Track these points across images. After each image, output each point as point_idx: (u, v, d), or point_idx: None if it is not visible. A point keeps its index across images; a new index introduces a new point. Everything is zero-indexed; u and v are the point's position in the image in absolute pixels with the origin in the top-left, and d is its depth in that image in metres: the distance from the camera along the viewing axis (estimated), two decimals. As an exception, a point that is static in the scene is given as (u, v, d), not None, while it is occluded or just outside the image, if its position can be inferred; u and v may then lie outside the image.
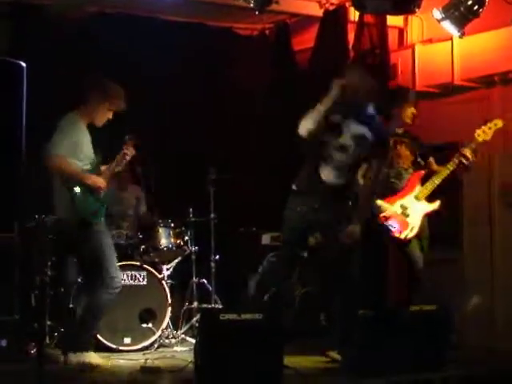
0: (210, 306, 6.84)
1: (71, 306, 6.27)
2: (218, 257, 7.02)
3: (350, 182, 5.47)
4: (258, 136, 7.85)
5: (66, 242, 5.82)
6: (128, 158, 5.72)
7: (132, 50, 6.98)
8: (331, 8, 7.41)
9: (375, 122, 5.46)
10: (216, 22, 7.79)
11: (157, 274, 6.65)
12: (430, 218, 6.31)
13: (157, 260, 6.84)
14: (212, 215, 6.99)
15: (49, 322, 6.12)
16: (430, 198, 6.23)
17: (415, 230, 6.16)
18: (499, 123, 6.19)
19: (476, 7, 5.90)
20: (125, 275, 6.38)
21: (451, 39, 6.97)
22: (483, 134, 6.16)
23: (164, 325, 6.52)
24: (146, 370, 5.44)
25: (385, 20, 7.40)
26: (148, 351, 6.32)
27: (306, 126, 5.30)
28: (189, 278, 6.99)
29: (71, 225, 5.54)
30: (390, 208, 6.11)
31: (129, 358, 6.02)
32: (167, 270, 6.89)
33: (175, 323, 6.78)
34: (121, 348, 6.29)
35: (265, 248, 7.41)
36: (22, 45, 6.57)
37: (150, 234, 6.84)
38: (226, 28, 7.94)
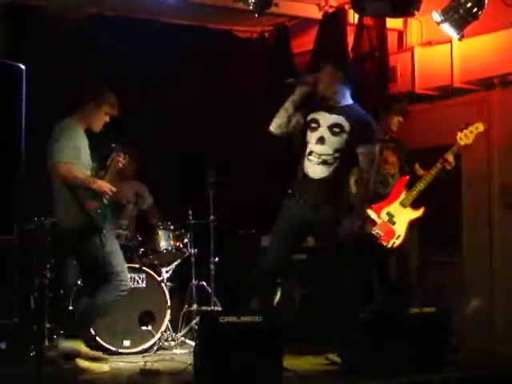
0: (209, 309, 6.84)
1: (71, 308, 6.28)
2: (217, 259, 7.02)
3: (338, 177, 5.44)
4: (257, 138, 7.84)
5: (67, 244, 5.81)
6: (120, 165, 5.73)
7: (131, 53, 6.97)
8: (330, 11, 7.40)
9: (352, 109, 5.49)
10: (216, 25, 7.79)
11: (156, 276, 6.65)
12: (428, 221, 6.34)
13: (156, 262, 6.84)
14: (211, 217, 6.99)
15: (48, 325, 6.11)
16: (415, 205, 6.28)
17: (401, 238, 6.20)
18: (480, 127, 6.24)
19: (475, 10, 5.90)
20: (124, 277, 6.40)
21: (450, 42, 6.97)
22: (465, 137, 6.22)
23: (163, 327, 6.52)
24: (145, 372, 5.43)
25: (384, 23, 7.39)
26: (147, 354, 6.32)
27: (274, 123, 5.48)
28: (188, 280, 6.99)
29: (76, 228, 5.53)
30: (376, 217, 6.13)
31: (128, 360, 6.01)
32: (166, 272, 6.89)
33: (174, 326, 6.77)
34: (120, 350, 6.29)
35: (264, 250, 7.40)
36: (20, 47, 6.56)
37: (150, 237, 6.85)
38: (225, 31, 7.94)
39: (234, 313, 4.79)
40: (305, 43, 7.85)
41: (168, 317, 6.56)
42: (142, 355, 6.24)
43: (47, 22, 6.82)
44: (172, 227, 6.89)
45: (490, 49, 6.85)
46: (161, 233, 6.85)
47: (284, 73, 7.51)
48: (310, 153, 5.44)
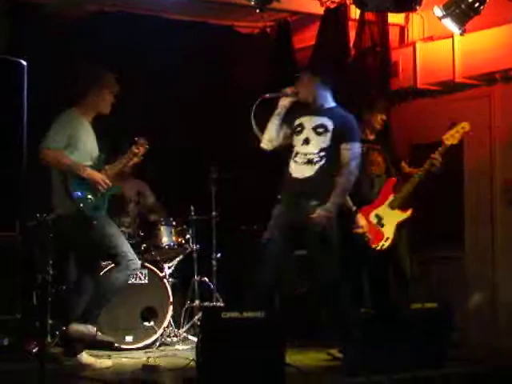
0: (211, 305, 6.85)
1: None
2: (219, 255, 7.03)
3: (323, 175, 5.51)
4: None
5: (68, 239, 5.81)
6: (136, 159, 5.74)
7: (132, 49, 6.96)
8: (332, 6, 7.39)
9: (335, 111, 5.65)
10: (217, 20, 7.78)
11: (158, 272, 6.65)
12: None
13: (158, 258, 6.85)
14: (213, 213, 6.99)
15: (50, 321, 6.12)
16: (403, 206, 6.30)
17: (390, 240, 6.22)
18: (466, 126, 6.25)
19: (477, 4, 5.88)
20: (126, 274, 6.41)
21: (452, 37, 6.96)
22: (451, 137, 6.24)
23: (166, 323, 6.53)
24: (147, 368, 5.44)
25: (386, 18, 7.39)
26: (150, 350, 6.33)
27: (264, 140, 5.70)
28: (190, 276, 6.99)
29: (69, 215, 5.52)
30: (364, 221, 6.14)
31: (130, 356, 6.02)
32: (169, 268, 6.89)
33: (177, 321, 6.78)
34: (122, 346, 6.30)
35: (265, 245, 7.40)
36: (21, 43, 6.56)
37: (152, 233, 6.84)
38: (227, 26, 7.93)
39: (236, 308, 4.79)
40: (306, 39, 7.84)
41: (170, 313, 6.56)
42: (144, 351, 6.26)
43: (48, 19, 6.83)
44: (174, 223, 6.90)
45: (492, 44, 6.84)
46: (163, 229, 6.85)
47: (286, 68, 7.52)
48: (296, 154, 5.59)
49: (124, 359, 5.92)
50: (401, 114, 7.54)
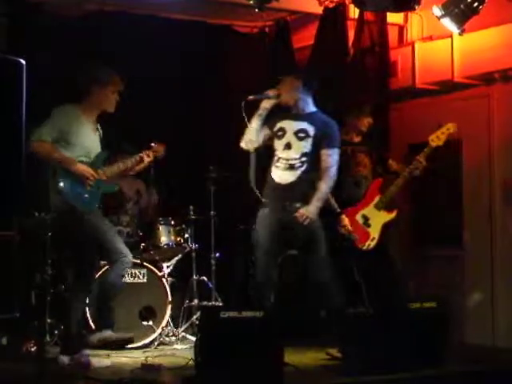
0: (210, 304, 6.84)
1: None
2: (218, 254, 7.03)
3: (305, 180, 5.61)
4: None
5: (63, 236, 5.80)
6: (143, 165, 5.76)
7: (131, 48, 6.96)
8: (331, 5, 7.39)
9: (317, 115, 5.75)
10: (216, 20, 7.78)
11: (157, 271, 6.65)
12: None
13: (157, 258, 6.84)
14: (212, 213, 6.99)
15: (49, 320, 6.11)
16: (389, 207, 6.35)
17: (376, 240, 6.27)
18: (452, 128, 6.27)
19: (476, 4, 5.88)
20: (125, 273, 6.42)
21: (451, 36, 6.96)
22: (437, 139, 6.28)
23: (164, 322, 6.53)
24: (146, 367, 5.44)
25: (385, 17, 7.39)
26: (148, 349, 6.33)
27: (244, 140, 5.74)
28: (189, 275, 6.99)
29: (64, 216, 5.51)
30: (348, 222, 6.17)
31: (129, 355, 6.02)
32: (167, 267, 6.89)
33: (175, 321, 6.78)
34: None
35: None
36: (21, 42, 6.55)
37: (150, 232, 6.84)
38: (226, 26, 7.93)
39: (235, 308, 4.79)
40: (305, 38, 7.84)
41: (169, 312, 6.56)
42: (143, 350, 6.25)
43: (47, 18, 6.82)
44: (173, 223, 6.89)
45: (491, 43, 6.84)
46: (161, 228, 6.85)
47: (285, 68, 7.52)
48: (278, 159, 5.68)
49: (123, 358, 5.91)
50: (399, 114, 7.55)
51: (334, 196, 5.99)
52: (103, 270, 6.08)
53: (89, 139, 5.63)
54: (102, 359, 5.65)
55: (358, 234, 6.19)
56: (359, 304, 5.91)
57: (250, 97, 5.71)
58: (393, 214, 6.36)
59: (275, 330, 4.87)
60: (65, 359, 5.46)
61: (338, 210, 6.11)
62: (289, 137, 5.68)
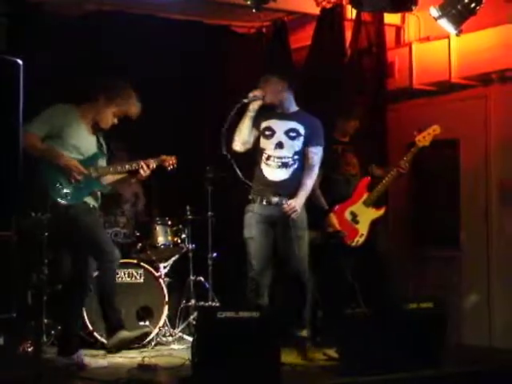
0: (207, 304, 6.84)
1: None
2: (215, 254, 7.02)
3: (298, 177, 5.73)
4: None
5: (56, 232, 5.79)
6: (144, 173, 5.77)
7: (129, 48, 6.96)
8: (328, 6, 7.39)
9: (302, 115, 5.87)
10: (213, 20, 7.78)
11: (154, 271, 6.65)
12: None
13: (154, 258, 6.84)
14: (209, 213, 6.99)
15: (46, 320, 6.10)
16: (377, 204, 6.43)
17: (364, 237, 6.34)
18: (437, 129, 6.38)
19: (473, 5, 5.89)
20: (122, 273, 6.42)
21: (448, 37, 6.97)
22: (423, 139, 6.38)
23: (161, 323, 6.52)
24: (143, 367, 5.44)
25: (382, 18, 7.40)
26: (145, 349, 6.32)
27: (238, 143, 5.84)
28: (186, 275, 6.99)
29: (53, 211, 5.49)
30: (335, 220, 6.27)
31: (126, 355, 6.01)
32: (164, 267, 6.89)
33: (172, 321, 6.78)
34: (118, 346, 6.28)
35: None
36: (19, 42, 6.55)
37: (147, 232, 6.84)
38: (223, 26, 7.93)
39: (232, 308, 4.79)
40: (302, 38, 7.84)
41: (166, 312, 6.56)
42: (139, 350, 6.24)
43: (47, 18, 6.82)
44: (170, 223, 6.89)
45: (488, 44, 6.85)
46: (158, 228, 6.85)
47: (282, 68, 7.52)
48: (268, 158, 5.78)
49: (119, 359, 5.90)
50: (397, 115, 7.56)
51: (323, 193, 6.17)
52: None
53: (83, 138, 5.61)
54: (98, 359, 5.66)
55: (346, 231, 6.31)
56: (355, 305, 5.94)
57: (245, 100, 5.79)
58: (381, 211, 6.45)
59: (272, 330, 4.87)
60: (62, 360, 5.46)
61: (326, 208, 6.24)
62: (279, 136, 5.79)
